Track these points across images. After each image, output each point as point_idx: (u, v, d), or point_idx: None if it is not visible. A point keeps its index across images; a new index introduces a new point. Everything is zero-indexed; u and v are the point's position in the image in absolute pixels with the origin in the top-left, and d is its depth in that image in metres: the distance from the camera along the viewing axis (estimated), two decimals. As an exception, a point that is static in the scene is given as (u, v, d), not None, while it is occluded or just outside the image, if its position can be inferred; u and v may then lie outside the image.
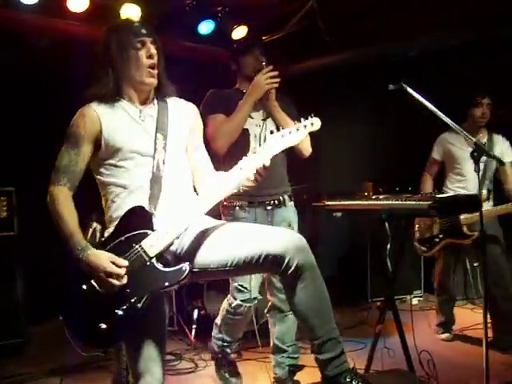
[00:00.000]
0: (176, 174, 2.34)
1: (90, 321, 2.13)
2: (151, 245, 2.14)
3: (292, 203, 3.36)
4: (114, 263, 2.10)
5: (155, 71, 2.32)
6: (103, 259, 2.10)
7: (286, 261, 2.06)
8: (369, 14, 4.91)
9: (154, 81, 2.33)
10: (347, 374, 2.16)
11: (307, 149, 3.26)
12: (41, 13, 4.29)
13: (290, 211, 3.32)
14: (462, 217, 4.11)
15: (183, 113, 2.46)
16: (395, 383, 2.82)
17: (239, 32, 5.22)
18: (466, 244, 4.20)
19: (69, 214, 2.20)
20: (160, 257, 2.16)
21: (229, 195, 2.33)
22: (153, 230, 2.17)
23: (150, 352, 2.24)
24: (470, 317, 4.95)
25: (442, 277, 4.49)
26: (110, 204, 2.31)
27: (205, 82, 3.75)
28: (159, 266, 2.14)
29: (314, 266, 2.13)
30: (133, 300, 2.11)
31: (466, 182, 4.20)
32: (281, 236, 2.16)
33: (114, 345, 2.35)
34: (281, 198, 3.26)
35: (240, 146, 3.02)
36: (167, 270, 2.14)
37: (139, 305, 2.10)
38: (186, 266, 2.12)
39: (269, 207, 3.21)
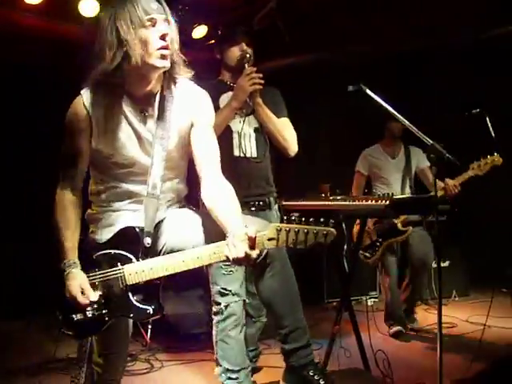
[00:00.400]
0: (172, 190, 2.28)
1: (68, 309, 2.13)
2: (130, 273, 2.10)
3: (276, 206, 3.19)
4: (83, 292, 2.07)
5: (167, 52, 2.06)
6: (74, 285, 2.07)
7: None
8: (330, 15, 4.95)
9: (167, 64, 2.08)
10: (311, 367, 2.16)
11: (293, 148, 3.11)
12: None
13: (273, 215, 3.14)
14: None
15: (189, 107, 2.23)
16: (352, 382, 2.84)
17: (199, 31, 5.20)
18: (400, 240, 4.54)
19: (65, 224, 2.15)
20: (134, 288, 2.12)
21: None
22: (137, 259, 2.12)
23: (116, 335, 2.27)
24: (424, 317, 5.03)
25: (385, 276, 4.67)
26: (98, 188, 2.26)
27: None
28: (131, 297, 2.12)
29: (284, 256, 2.13)
30: (103, 311, 2.11)
31: (391, 188, 4.70)
32: (253, 225, 2.08)
33: (85, 337, 2.33)
34: (266, 199, 3.09)
35: (223, 143, 2.78)
36: (135, 304, 2.12)
37: (107, 318, 2.11)
38: (150, 309, 2.12)
39: (253, 208, 3.01)
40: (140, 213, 2.19)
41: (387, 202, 3.00)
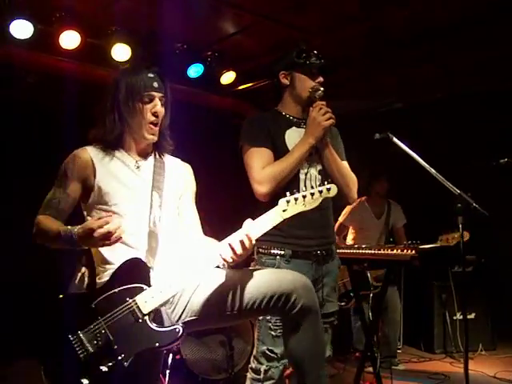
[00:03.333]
0: (170, 233, 2.29)
1: (72, 375, 1.98)
2: (146, 301, 2.03)
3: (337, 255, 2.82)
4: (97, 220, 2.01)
5: (156, 128, 2.28)
6: (88, 223, 2.01)
7: (292, 299, 2.00)
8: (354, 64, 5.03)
9: (154, 138, 2.30)
10: None
11: (353, 195, 2.75)
12: (33, 48, 4.32)
13: (335, 264, 2.79)
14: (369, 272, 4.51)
15: (180, 175, 2.41)
16: None
17: (227, 76, 5.30)
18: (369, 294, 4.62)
19: (51, 222, 2.17)
20: (153, 315, 2.04)
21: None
22: (149, 286, 2.06)
23: None
24: (449, 370, 4.90)
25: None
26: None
27: (191, 123, 3.76)
28: (152, 325, 2.02)
29: (317, 309, 2.08)
30: (120, 357, 1.97)
31: (369, 240, 4.91)
32: (288, 274, 2.11)
33: None
34: (329, 248, 2.72)
35: (287, 187, 2.51)
36: (160, 329, 2.02)
37: (126, 363, 1.97)
38: (179, 327, 2.01)
39: (315, 259, 2.65)
40: (135, 249, 2.18)
41: (413, 252, 2.97)
